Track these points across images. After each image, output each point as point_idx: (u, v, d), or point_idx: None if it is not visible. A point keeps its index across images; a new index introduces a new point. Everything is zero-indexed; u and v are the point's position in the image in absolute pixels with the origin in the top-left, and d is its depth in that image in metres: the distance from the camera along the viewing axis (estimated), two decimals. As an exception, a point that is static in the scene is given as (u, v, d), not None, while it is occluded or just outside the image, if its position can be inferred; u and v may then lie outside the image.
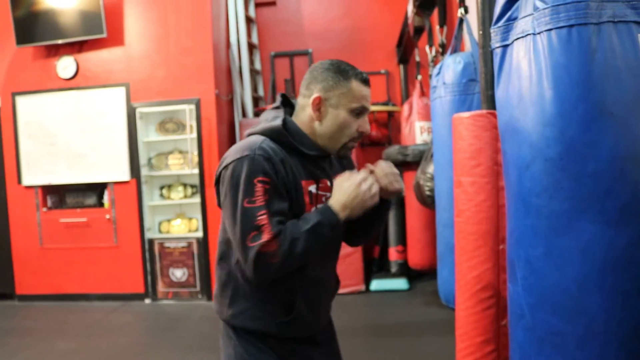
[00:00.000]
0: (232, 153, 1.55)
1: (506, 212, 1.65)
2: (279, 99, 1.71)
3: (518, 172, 1.50)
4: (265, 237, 1.43)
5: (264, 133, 1.57)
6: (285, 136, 1.56)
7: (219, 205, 1.59)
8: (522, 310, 1.52)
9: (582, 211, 1.37)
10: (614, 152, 1.33)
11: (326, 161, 1.67)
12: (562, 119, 1.36)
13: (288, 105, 1.70)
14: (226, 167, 1.53)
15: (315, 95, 1.57)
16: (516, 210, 1.53)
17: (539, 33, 1.39)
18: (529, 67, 1.43)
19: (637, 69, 1.33)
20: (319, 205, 1.56)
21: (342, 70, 1.57)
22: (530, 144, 1.44)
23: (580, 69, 1.33)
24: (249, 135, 1.62)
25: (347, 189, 1.51)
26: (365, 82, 1.59)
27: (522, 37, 1.45)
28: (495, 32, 1.59)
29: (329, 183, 1.64)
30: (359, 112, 1.58)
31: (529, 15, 1.44)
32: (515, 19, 1.50)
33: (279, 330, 1.60)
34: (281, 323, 1.60)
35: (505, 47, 1.54)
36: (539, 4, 1.40)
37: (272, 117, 1.62)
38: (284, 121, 1.57)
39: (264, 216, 1.44)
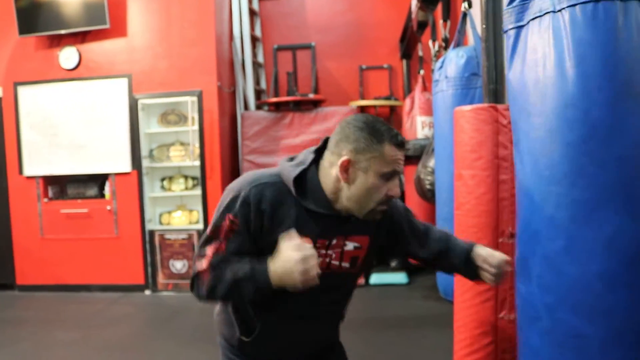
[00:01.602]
0: (236, 183, 1.55)
1: (517, 206, 1.53)
2: (321, 142, 1.58)
3: (534, 160, 1.37)
4: (202, 266, 1.48)
5: (281, 175, 1.53)
6: (292, 190, 1.49)
7: None
8: (537, 311, 1.39)
9: (607, 200, 1.25)
10: None
11: (345, 219, 1.55)
12: (586, 100, 1.24)
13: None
14: (227, 195, 1.53)
15: (344, 157, 1.46)
16: (531, 202, 1.40)
17: (559, 10, 1.29)
18: (547, 46, 1.32)
19: None
20: (261, 262, 1.43)
21: (376, 132, 1.45)
22: (550, 128, 1.31)
23: (606, 46, 1.23)
24: (283, 163, 1.59)
25: (287, 261, 1.37)
26: (400, 145, 1.47)
27: (540, 16, 1.36)
28: (509, 13, 1.50)
29: (343, 242, 1.56)
30: (389, 176, 1.47)
31: None
32: None
33: (239, 345, 1.62)
34: (241, 340, 1.61)
35: (520, 27, 1.45)
36: None
37: (299, 161, 1.54)
38: (302, 172, 1.51)
39: (212, 248, 1.48)
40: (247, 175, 1.54)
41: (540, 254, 1.38)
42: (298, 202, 1.49)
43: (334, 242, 1.55)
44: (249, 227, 1.46)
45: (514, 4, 1.48)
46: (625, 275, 1.25)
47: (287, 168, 1.52)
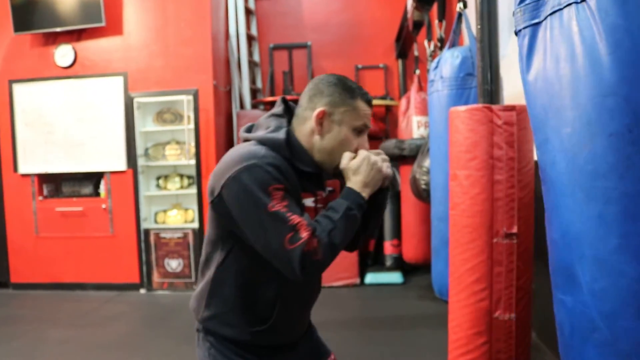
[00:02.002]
0: (233, 161, 1.47)
1: (550, 212, 1.42)
2: (280, 104, 1.64)
3: (571, 156, 1.29)
4: (304, 235, 1.37)
5: (265, 143, 1.52)
6: (286, 151, 1.51)
7: (219, 214, 1.53)
8: (593, 322, 1.25)
9: None
10: None
11: (319, 177, 1.64)
12: (626, 86, 1.17)
13: (288, 112, 1.63)
14: (233, 177, 1.44)
15: (319, 109, 1.53)
16: (573, 202, 1.30)
17: (583, 0, 1.23)
18: (573, 38, 1.26)
19: None
20: (341, 195, 1.53)
21: (348, 88, 1.55)
22: (588, 120, 1.23)
23: None
24: (245, 140, 1.58)
25: (359, 167, 1.52)
26: (369, 102, 1.57)
27: (559, 9, 1.30)
28: (521, 11, 1.45)
29: (324, 194, 1.65)
30: (360, 130, 1.56)
31: None
32: None
33: (252, 339, 1.58)
34: (255, 332, 1.57)
35: (536, 25, 1.40)
36: None
37: (274, 127, 1.56)
38: (287, 134, 1.54)
39: (293, 216, 1.39)
40: (237, 154, 1.49)
41: (589, 257, 1.25)
42: (291, 164, 1.52)
43: (320, 196, 1.65)
44: (290, 186, 1.47)
45: (527, 1, 1.43)
46: None
47: (268, 135, 1.53)
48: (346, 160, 1.53)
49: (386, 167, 1.56)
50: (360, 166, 1.51)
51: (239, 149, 1.52)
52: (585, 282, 1.26)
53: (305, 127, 1.56)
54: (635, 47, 1.16)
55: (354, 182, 1.52)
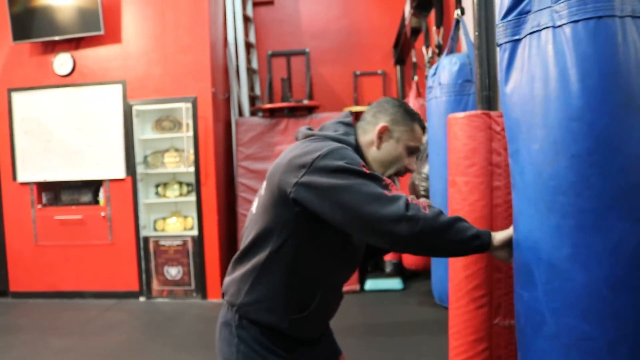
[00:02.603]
0: (310, 150, 1.52)
1: (516, 215, 1.55)
2: (348, 115, 1.76)
3: (538, 171, 1.42)
4: (414, 201, 1.45)
5: (338, 141, 1.61)
6: (355, 153, 1.57)
7: (286, 200, 1.52)
8: (543, 317, 1.42)
9: (611, 208, 1.31)
10: None
11: None
12: (591, 113, 1.30)
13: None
14: (317, 161, 1.47)
15: (382, 124, 1.68)
16: (535, 211, 1.44)
17: (560, 25, 1.34)
18: (547, 61, 1.37)
19: None
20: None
21: (410, 112, 1.71)
22: (554, 140, 1.36)
23: (608, 61, 1.29)
24: (307, 136, 1.66)
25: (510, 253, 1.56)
26: (424, 129, 1.75)
27: (538, 30, 1.40)
28: (503, 26, 1.53)
29: None
30: (412, 151, 1.72)
31: (547, 7, 1.38)
32: (527, 12, 1.45)
33: (289, 327, 1.61)
34: (293, 320, 1.61)
35: (516, 41, 1.48)
36: None
37: (343, 131, 1.68)
38: (356, 141, 1.68)
39: (395, 190, 1.46)
40: (317, 144, 1.56)
41: (545, 261, 1.40)
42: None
43: None
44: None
45: (509, 18, 1.50)
46: (629, 279, 1.31)
47: (340, 137, 1.64)
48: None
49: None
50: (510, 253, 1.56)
51: (309, 144, 1.57)
52: (540, 282, 1.42)
53: (365, 138, 1.70)
54: (602, 77, 1.29)
55: (499, 238, 1.55)
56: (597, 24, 1.29)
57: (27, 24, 5.67)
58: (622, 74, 1.29)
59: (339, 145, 1.55)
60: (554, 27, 1.35)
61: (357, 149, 1.66)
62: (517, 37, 1.47)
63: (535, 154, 1.42)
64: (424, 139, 5.30)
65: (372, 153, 1.69)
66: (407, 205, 1.41)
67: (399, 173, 1.72)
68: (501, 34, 1.53)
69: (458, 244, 1.47)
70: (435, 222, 1.42)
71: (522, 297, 1.52)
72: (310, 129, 1.73)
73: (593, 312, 1.33)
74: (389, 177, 1.69)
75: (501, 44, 1.54)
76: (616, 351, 1.32)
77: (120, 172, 5.75)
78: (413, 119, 1.71)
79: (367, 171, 1.47)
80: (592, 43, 1.30)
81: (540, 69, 1.39)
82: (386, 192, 1.43)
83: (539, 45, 1.39)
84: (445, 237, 1.44)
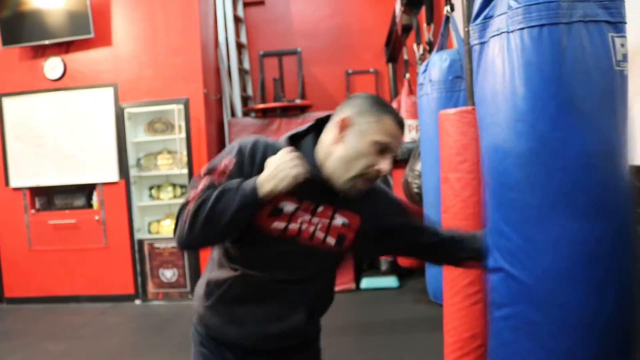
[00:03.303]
0: (240, 139, 1.59)
1: (484, 202, 1.65)
2: (326, 114, 1.59)
3: (493, 166, 1.53)
4: (190, 195, 1.45)
5: (289, 137, 1.55)
6: (290, 143, 1.53)
7: None
8: (502, 298, 1.53)
9: (553, 205, 1.40)
10: (583, 148, 1.38)
11: (319, 187, 1.51)
12: (533, 115, 1.40)
13: (318, 128, 1.58)
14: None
15: (344, 115, 1.47)
16: (493, 203, 1.55)
17: (512, 31, 1.42)
18: (502, 64, 1.46)
19: (606, 67, 1.37)
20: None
21: (380, 103, 1.48)
22: (504, 138, 1.47)
23: (550, 67, 1.37)
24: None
25: (273, 161, 1.40)
26: (400, 124, 1.48)
27: (498, 34, 1.48)
28: (473, 29, 1.60)
29: (316, 208, 1.52)
30: (382, 148, 1.44)
31: (504, 13, 1.46)
32: (491, 17, 1.52)
33: (203, 316, 1.66)
34: (204, 307, 1.64)
35: (483, 44, 1.56)
36: (513, 3, 1.43)
37: (304, 128, 1.58)
38: (296, 135, 1.55)
39: (203, 183, 1.46)
40: (252, 135, 1.58)
41: (504, 248, 1.50)
42: None
43: (321, 209, 1.52)
44: (241, 173, 1.46)
45: (477, 21, 1.58)
46: (570, 272, 1.40)
47: (292, 133, 1.56)
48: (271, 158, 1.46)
49: (296, 171, 1.39)
50: (274, 161, 1.41)
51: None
52: (500, 266, 1.53)
53: (328, 135, 1.50)
54: (544, 83, 1.38)
55: (262, 174, 1.41)
56: (540, 32, 1.38)
57: (17, 28, 5.64)
58: (564, 79, 1.37)
59: (241, 144, 1.52)
60: (507, 32, 1.44)
61: (300, 144, 1.52)
62: (483, 40, 1.56)
63: (491, 151, 1.53)
64: (415, 136, 5.31)
65: (335, 150, 1.46)
66: (176, 221, 1.47)
67: (368, 176, 1.46)
68: (472, 36, 1.62)
69: (223, 213, 1.40)
70: (196, 211, 1.41)
71: (490, 277, 1.61)
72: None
73: (539, 300, 1.44)
74: (354, 183, 1.46)
75: (473, 46, 1.62)
76: (559, 337, 1.43)
77: (113, 175, 5.73)
78: (384, 110, 1.46)
79: (212, 174, 1.48)
80: (535, 50, 1.39)
81: (497, 72, 1.48)
82: (188, 194, 1.47)
83: (497, 48, 1.48)
84: (209, 216, 1.40)
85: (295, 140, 1.53)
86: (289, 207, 1.49)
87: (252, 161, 1.48)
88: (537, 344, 1.45)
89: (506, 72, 1.45)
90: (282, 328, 1.58)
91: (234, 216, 1.39)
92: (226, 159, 1.49)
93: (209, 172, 1.48)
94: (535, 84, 1.39)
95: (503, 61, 1.45)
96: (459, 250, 1.69)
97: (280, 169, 1.38)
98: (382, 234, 1.64)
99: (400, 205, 1.70)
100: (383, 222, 1.63)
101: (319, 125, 1.57)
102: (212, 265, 1.64)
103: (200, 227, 1.40)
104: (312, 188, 1.48)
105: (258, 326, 1.58)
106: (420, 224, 1.71)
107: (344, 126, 1.46)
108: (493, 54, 1.49)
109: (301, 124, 5.99)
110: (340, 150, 1.45)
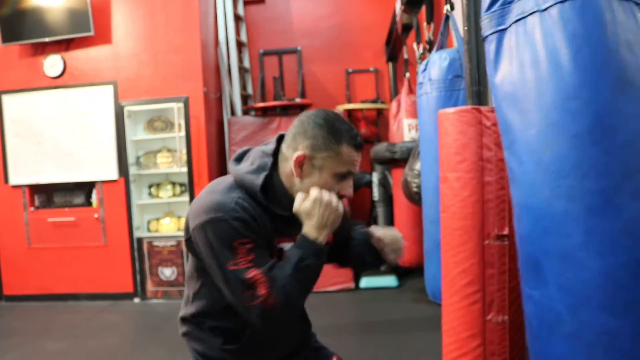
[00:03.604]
0: (202, 209, 1.46)
1: (517, 210, 1.49)
2: (273, 142, 1.58)
3: (537, 156, 1.36)
4: (261, 292, 1.37)
5: (241, 185, 1.50)
6: (261, 197, 1.48)
7: (193, 254, 1.57)
8: (559, 315, 1.32)
9: (620, 187, 1.24)
10: None
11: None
12: (587, 90, 1.26)
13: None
14: (198, 228, 1.45)
15: (299, 152, 1.47)
16: (538, 200, 1.37)
17: (546, 9, 1.32)
18: (536, 45, 1.35)
19: (638, 46, 1.29)
20: (293, 244, 1.49)
21: (335, 131, 1.46)
22: (552, 122, 1.32)
23: (599, 38, 1.26)
24: (229, 173, 1.58)
25: (313, 209, 1.45)
26: (358, 147, 1.49)
27: (523, 17, 1.39)
28: (488, 18, 1.52)
29: None
30: (343, 176, 1.49)
31: None
32: (511, 2, 1.45)
33: (222, 356, 1.60)
34: (225, 350, 1.59)
35: (502, 31, 1.47)
36: None
37: (257, 166, 1.52)
38: (266, 179, 1.49)
39: (253, 272, 1.38)
40: (208, 201, 1.47)
41: (555, 252, 1.32)
42: (267, 208, 1.50)
43: None
44: (257, 237, 1.45)
45: (493, 8, 1.50)
46: None
47: (247, 177, 1.50)
48: (298, 203, 1.47)
49: (341, 206, 1.48)
50: (312, 208, 1.45)
51: (214, 189, 1.52)
52: (551, 276, 1.33)
53: (287, 165, 1.51)
54: (595, 54, 1.26)
55: (308, 227, 1.46)
56: (584, 2, 1.28)
57: (16, 25, 5.63)
58: (612, 51, 1.27)
59: (219, 216, 1.42)
60: (540, 10, 1.34)
61: (269, 187, 1.50)
62: (502, 27, 1.46)
63: (533, 141, 1.37)
64: (415, 135, 5.30)
65: (296, 184, 1.50)
66: (261, 314, 1.40)
67: None
68: (486, 26, 1.53)
69: (312, 280, 1.47)
70: (289, 299, 1.41)
71: (532, 297, 1.43)
72: (239, 157, 1.62)
73: (614, 303, 1.24)
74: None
75: (487, 36, 1.53)
76: None
77: (112, 173, 5.72)
78: (339, 140, 1.46)
79: (236, 261, 1.40)
80: (580, 21, 1.27)
81: (529, 54, 1.37)
82: (247, 293, 1.40)
83: (525, 31, 1.38)
84: (302, 291, 1.45)
85: (266, 184, 1.51)
86: (287, 246, 1.55)
87: (253, 224, 1.45)
88: (617, 356, 1.25)
89: (543, 51, 1.33)
90: (302, 334, 1.77)
91: (319, 271, 1.48)
92: (237, 241, 1.42)
93: (236, 260, 1.41)
94: (585, 56, 1.27)
95: (535, 42, 1.34)
96: (352, 255, 1.80)
97: (327, 216, 1.45)
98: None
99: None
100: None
101: (277, 146, 1.58)
102: (210, 318, 1.60)
103: (297, 304, 1.45)
104: (295, 223, 1.52)
105: (287, 345, 1.71)
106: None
107: (300, 164, 1.48)
108: (518, 38, 1.40)
109: (301, 122, 6.01)
110: (302, 186, 1.49)
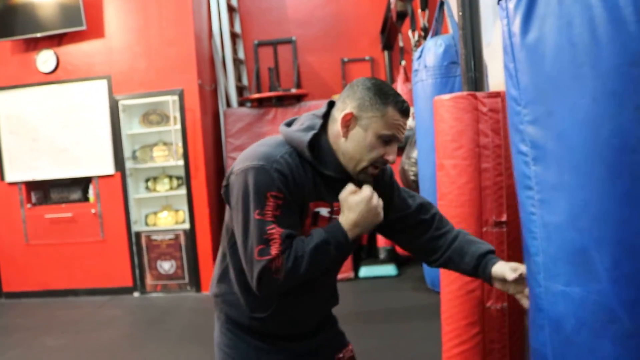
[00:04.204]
0: (247, 157, 1.48)
1: (546, 192, 1.29)
2: (324, 106, 1.58)
3: (592, 130, 1.18)
4: (273, 251, 1.38)
5: (290, 142, 1.51)
6: (308, 156, 1.49)
7: (229, 205, 1.54)
8: (613, 313, 1.15)
9: None
10: None
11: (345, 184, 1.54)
12: None
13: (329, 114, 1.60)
14: (238, 173, 1.46)
15: (347, 111, 1.48)
16: (591, 180, 1.18)
17: None
18: (592, 2, 1.17)
19: None
20: (329, 225, 1.49)
21: (382, 93, 1.48)
22: (613, 91, 1.15)
23: None
24: (280, 132, 1.57)
25: (357, 206, 1.45)
26: (404, 112, 1.50)
27: None
28: None
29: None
30: (387, 139, 1.49)
31: None
32: None
33: (252, 323, 1.59)
34: (255, 318, 1.58)
35: None
36: None
37: (306, 126, 1.53)
38: (314, 137, 1.50)
39: (274, 230, 1.39)
40: (255, 151, 1.49)
41: (611, 240, 1.14)
42: (314, 167, 1.51)
43: None
44: (292, 197, 1.45)
45: None
46: None
47: (295, 134, 1.51)
48: (346, 193, 1.47)
49: (382, 213, 1.49)
50: (358, 205, 1.45)
51: (264, 143, 1.54)
52: (604, 269, 1.15)
53: (334, 128, 1.52)
54: None
55: (346, 218, 1.46)
56: None
57: (8, 21, 5.59)
58: None
59: (261, 164, 1.42)
60: None
61: (316, 146, 1.50)
62: None
63: (586, 111, 1.18)
64: (411, 123, 5.28)
65: (342, 145, 1.51)
66: (262, 271, 1.40)
67: (376, 166, 1.53)
68: None
69: (323, 266, 1.47)
70: (296, 269, 1.41)
71: (569, 295, 1.24)
72: (289, 123, 1.61)
73: None
74: (363, 175, 1.53)
75: None
76: None
77: (109, 168, 5.70)
78: (386, 102, 1.47)
79: (263, 211, 1.41)
80: None
81: (580, 12, 1.19)
82: (259, 247, 1.40)
83: None
84: (309, 270, 1.43)
85: (313, 142, 1.51)
86: (323, 211, 1.55)
87: (292, 181, 1.45)
88: None
89: (601, 11, 1.16)
90: (323, 312, 1.76)
91: (332, 262, 1.50)
92: (271, 192, 1.41)
93: (262, 219, 1.41)
94: None
95: (592, 2, 1.16)
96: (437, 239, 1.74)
97: (367, 217, 1.46)
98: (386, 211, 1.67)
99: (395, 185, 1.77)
100: (388, 199, 1.70)
101: (328, 110, 1.58)
102: (242, 279, 1.56)
103: (298, 279, 1.43)
104: (337, 187, 1.52)
105: (313, 318, 1.70)
106: (411, 200, 1.77)
107: (347, 122, 1.49)
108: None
109: (297, 113, 5.98)
110: (347, 145, 1.50)
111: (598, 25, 1.16)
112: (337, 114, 1.52)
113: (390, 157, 1.51)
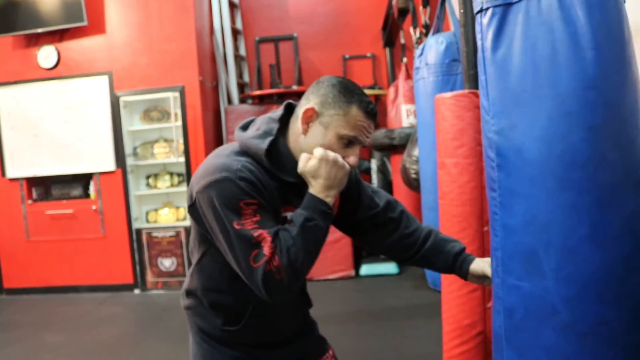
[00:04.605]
0: (207, 171, 1.40)
1: (505, 197, 1.41)
2: (282, 108, 1.50)
3: (547, 145, 1.30)
4: (266, 251, 1.31)
5: (246, 150, 1.44)
6: (265, 162, 1.41)
7: (195, 221, 1.48)
8: (554, 307, 1.31)
9: (625, 182, 1.25)
10: None
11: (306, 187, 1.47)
12: (605, 82, 1.24)
13: (288, 117, 1.51)
14: (204, 188, 1.38)
15: (309, 106, 1.40)
16: (542, 191, 1.32)
17: None
18: (554, 26, 1.27)
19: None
20: (301, 206, 1.42)
21: (348, 91, 1.40)
22: (568, 111, 1.26)
23: (619, 27, 1.24)
24: (235, 139, 1.50)
25: (319, 169, 1.37)
26: (369, 113, 1.41)
27: None
28: None
29: None
30: (349, 141, 1.41)
31: None
32: None
33: (223, 336, 1.55)
34: (226, 331, 1.54)
35: (509, 5, 1.35)
36: None
37: (262, 131, 1.45)
38: (271, 144, 1.42)
39: (259, 231, 1.32)
40: (213, 164, 1.41)
41: (557, 244, 1.30)
42: (272, 174, 1.43)
43: None
44: (264, 200, 1.38)
45: None
46: None
47: (252, 142, 1.44)
48: (302, 163, 1.40)
49: (347, 164, 1.41)
50: (319, 168, 1.38)
51: (219, 154, 1.46)
52: (550, 268, 1.31)
53: (296, 125, 1.45)
54: (614, 45, 1.24)
55: (315, 186, 1.39)
56: None
57: (9, 17, 5.57)
58: (626, 41, 1.25)
59: (224, 175, 1.35)
60: None
61: (273, 152, 1.43)
62: (509, 1, 1.36)
63: (543, 127, 1.30)
64: (413, 121, 5.26)
65: (301, 142, 1.43)
66: (264, 277, 1.31)
67: None
68: None
69: (319, 242, 1.40)
70: (293, 262, 1.33)
71: (520, 289, 1.39)
72: (245, 125, 1.53)
73: (609, 294, 1.27)
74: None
75: (485, 9, 1.41)
76: (632, 331, 1.27)
77: (110, 164, 5.69)
78: (350, 100, 1.39)
79: (242, 221, 1.33)
80: (604, 9, 1.24)
81: (544, 36, 1.29)
82: (252, 253, 1.32)
83: (540, 10, 1.30)
84: (307, 256, 1.36)
85: (271, 149, 1.44)
86: (290, 214, 1.47)
87: (266, 196, 1.39)
88: (607, 345, 1.28)
89: (563, 35, 1.27)
90: (302, 317, 1.70)
91: (326, 235, 1.41)
92: (242, 201, 1.35)
93: (242, 228, 1.33)
94: (606, 45, 1.24)
95: (553, 23, 1.27)
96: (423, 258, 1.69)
97: (334, 174, 1.38)
98: (350, 212, 1.65)
99: (361, 183, 1.70)
100: (356, 197, 1.66)
101: (288, 111, 1.51)
102: (211, 292, 1.54)
103: (302, 271, 1.36)
104: (303, 191, 1.44)
105: (288, 328, 1.64)
106: (377, 198, 1.70)
107: (308, 118, 1.41)
108: (529, 15, 1.31)
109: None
110: (305, 143, 1.42)
111: (559, 49, 1.27)
112: (299, 111, 1.44)
113: (351, 160, 1.42)
